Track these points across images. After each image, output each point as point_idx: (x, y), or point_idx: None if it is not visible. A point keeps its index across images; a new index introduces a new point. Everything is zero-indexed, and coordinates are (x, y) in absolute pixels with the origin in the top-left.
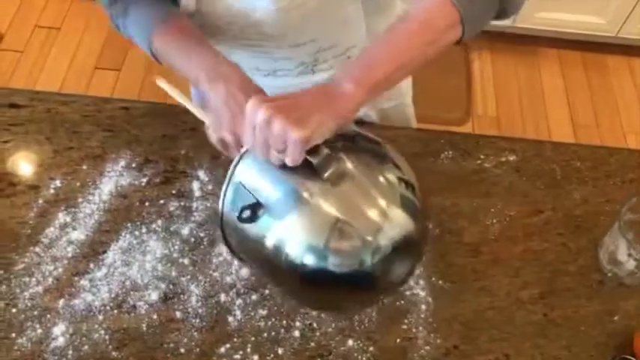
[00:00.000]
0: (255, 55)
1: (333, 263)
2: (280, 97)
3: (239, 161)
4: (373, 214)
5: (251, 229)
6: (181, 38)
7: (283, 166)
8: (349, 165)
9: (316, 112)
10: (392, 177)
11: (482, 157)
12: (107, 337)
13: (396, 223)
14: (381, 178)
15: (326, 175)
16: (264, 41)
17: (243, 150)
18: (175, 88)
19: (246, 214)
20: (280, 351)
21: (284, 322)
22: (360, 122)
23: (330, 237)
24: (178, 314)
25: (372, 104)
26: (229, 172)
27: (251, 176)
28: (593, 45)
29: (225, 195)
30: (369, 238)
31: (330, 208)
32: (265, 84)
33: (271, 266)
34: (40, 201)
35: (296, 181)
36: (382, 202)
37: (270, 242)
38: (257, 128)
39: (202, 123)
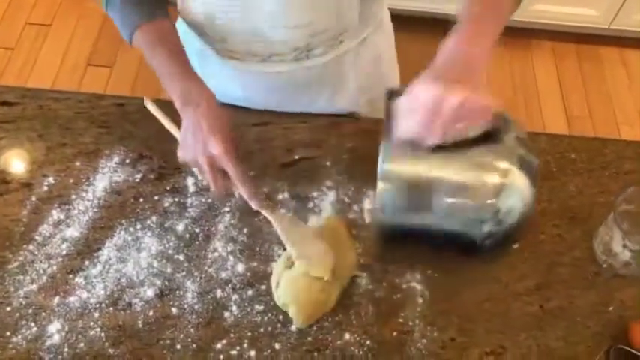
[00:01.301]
0: (250, 40)
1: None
2: (436, 78)
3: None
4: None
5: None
6: (162, 46)
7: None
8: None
9: (477, 77)
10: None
11: None
12: (103, 334)
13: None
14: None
15: (513, 135)
16: (261, 21)
17: (384, 149)
18: (161, 113)
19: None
20: (277, 346)
21: (280, 316)
22: (351, 115)
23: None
24: (174, 310)
25: (366, 98)
26: (380, 176)
27: (416, 169)
28: (586, 37)
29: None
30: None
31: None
32: (260, 70)
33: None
34: (34, 198)
35: (475, 152)
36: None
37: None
38: (448, 112)
39: None
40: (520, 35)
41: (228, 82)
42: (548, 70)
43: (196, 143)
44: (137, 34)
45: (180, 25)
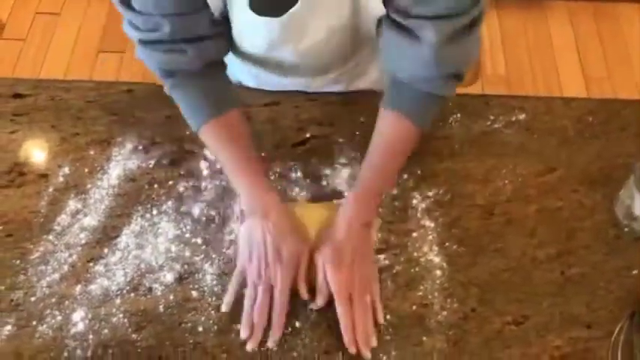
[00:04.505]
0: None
1: None
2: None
3: None
4: None
5: None
6: (229, 142)
7: None
8: None
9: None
10: None
11: (491, 117)
12: (126, 320)
13: None
14: None
15: None
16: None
17: None
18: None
19: None
20: (297, 324)
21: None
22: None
23: None
24: (194, 294)
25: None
26: None
27: None
28: None
29: None
30: None
31: None
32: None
33: None
34: (50, 189)
35: None
36: None
37: None
38: None
39: None
40: None
41: (239, 74)
42: (564, 31)
43: (260, 268)
44: (205, 128)
45: None
